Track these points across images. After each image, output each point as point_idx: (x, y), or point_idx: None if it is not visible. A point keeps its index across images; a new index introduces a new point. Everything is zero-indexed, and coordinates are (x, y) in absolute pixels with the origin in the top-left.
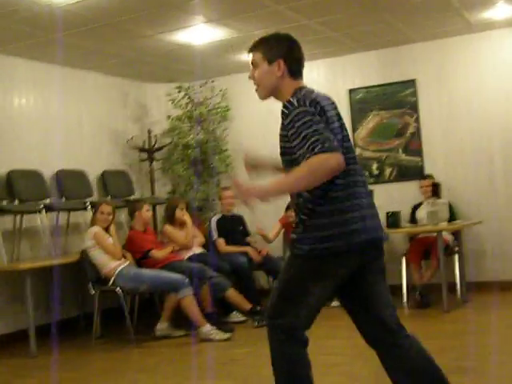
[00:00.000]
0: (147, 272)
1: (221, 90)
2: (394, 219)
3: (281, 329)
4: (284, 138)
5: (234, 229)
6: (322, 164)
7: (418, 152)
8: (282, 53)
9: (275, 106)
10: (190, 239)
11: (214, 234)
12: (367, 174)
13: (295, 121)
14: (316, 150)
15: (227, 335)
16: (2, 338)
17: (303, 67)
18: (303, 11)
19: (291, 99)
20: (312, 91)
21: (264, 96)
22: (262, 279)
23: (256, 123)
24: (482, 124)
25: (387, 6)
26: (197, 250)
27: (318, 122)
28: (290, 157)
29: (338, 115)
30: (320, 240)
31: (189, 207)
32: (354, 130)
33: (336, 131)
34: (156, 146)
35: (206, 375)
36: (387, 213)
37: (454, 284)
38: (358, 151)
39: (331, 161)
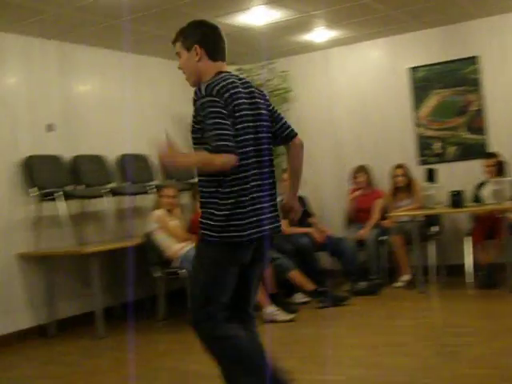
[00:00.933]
0: None
1: (281, 72)
2: (457, 198)
3: (203, 319)
4: (193, 119)
5: None
6: (219, 162)
7: (482, 130)
8: (197, 38)
9: (337, 88)
10: None
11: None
12: (429, 153)
13: (201, 109)
14: (218, 145)
15: (291, 316)
16: (71, 319)
17: (224, 50)
18: None
19: (201, 86)
20: (227, 78)
21: (193, 82)
22: (324, 260)
23: (317, 105)
24: None
25: None
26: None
27: (220, 113)
28: (196, 135)
29: (255, 104)
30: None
31: None
32: (416, 108)
33: (242, 119)
34: None
35: (270, 355)
36: (451, 192)
37: None
38: (419, 130)
39: (224, 160)
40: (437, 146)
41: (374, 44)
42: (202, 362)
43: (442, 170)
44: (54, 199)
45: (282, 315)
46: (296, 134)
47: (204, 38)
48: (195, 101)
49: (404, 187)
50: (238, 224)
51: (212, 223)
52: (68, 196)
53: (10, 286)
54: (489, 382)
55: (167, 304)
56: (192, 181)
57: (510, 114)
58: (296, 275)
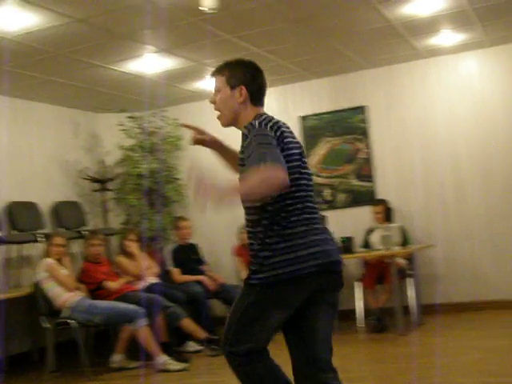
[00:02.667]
0: (101, 303)
1: (173, 120)
2: (347, 244)
3: (239, 354)
4: (242, 160)
5: (189, 258)
6: (272, 174)
7: (370, 177)
8: (245, 79)
9: (230, 134)
10: (140, 270)
11: (169, 264)
12: (321, 200)
13: (254, 140)
14: (267, 160)
15: (183, 365)
16: None
17: (265, 96)
18: (253, 40)
19: (253, 122)
20: (272, 117)
21: (226, 122)
22: (217, 308)
23: (208, 151)
24: (432, 148)
25: (334, 34)
26: (152, 280)
27: (274, 145)
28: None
29: (298, 143)
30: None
31: (140, 238)
32: (307, 156)
33: (295, 157)
34: (108, 176)
35: None
36: (341, 238)
37: (408, 307)
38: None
39: (280, 173)
40: (327, 193)
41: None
42: None
43: (332, 216)
44: None
45: (174, 364)
46: None
47: (252, 80)
48: (246, 135)
49: None
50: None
51: None
52: None
53: None
54: None
55: (57, 355)
56: (81, 229)
57: (396, 162)
58: (188, 323)
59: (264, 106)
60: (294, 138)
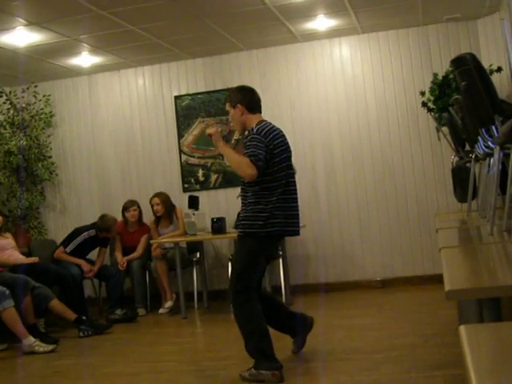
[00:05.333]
0: None
1: (44, 96)
2: (218, 225)
3: (241, 291)
4: (246, 144)
5: (93, 245)
6: (247, 167)
7: None
8: (240, 99)
9: (102, 114)
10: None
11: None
12: (193, 180)
13: (250, 140)
14: (251, 157)
15: (51, 347)
16: None
17: (259, 105)
18: (127, 17)
19: (254, 128)
20: (269, 124)
21: (239, 131)
22: (88, 289)
23: (81, 131)
24: (305, 131)
25: (210, 14)
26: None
27: (262, 147)
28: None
29: (287, 146)
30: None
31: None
32: (180, 136)
33: (282, 158)
34: None
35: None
36: (212, 219)
37: (279, 287)
38: (183, 158)
39: (253, 171)
40: (200, 174)
41: (140, 71)
42: None
43: (204, 197)
44: None
45: (42, 346)
46: None
47: (244, 98)
48: (247, 136)
49: (165, 215)
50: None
51: None
52: None
53: None
54: None
55: None
56: None
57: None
58: (57, 304)
59: (261, 112)
60: (283, 141)
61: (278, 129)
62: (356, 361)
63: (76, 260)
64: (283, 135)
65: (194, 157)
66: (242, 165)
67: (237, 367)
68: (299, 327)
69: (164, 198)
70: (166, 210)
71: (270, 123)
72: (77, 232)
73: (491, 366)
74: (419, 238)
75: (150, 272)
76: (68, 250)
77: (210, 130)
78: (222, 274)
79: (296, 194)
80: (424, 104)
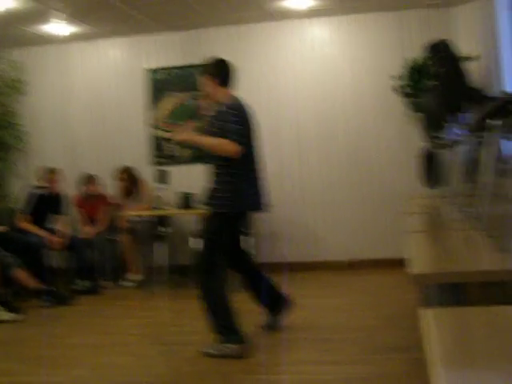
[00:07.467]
0: None
1: (16, 63)
2: (186, 200)
3: (209, 264)
4: (213, 123)
5: (44, 208)
6: (229, 145)
7: None
8: (214, 71)
9: (74, 84)
10: None
11: (22, 208)
12: (164, 155)
13: (224, 116)
14: (236, 139)
15: (15, 316)
16: None
17: (233, 80)
18: None
19: (226, 103)
20: (239, 100)
21: (209, 103)
22: (55, 257)
23: (53, 99)
24: (278, 109)
25: None
26: None
27: (236, 122)
28: (214, 129)
29: (255, 123)
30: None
31: None
32: (153, 109)
33: (251, 135)
34: None
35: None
36: (180, 193)
37: None
38: (154, 132)
39: (236, 147)
40: (171, 148)
41: (113, 42)
42: None
43: (175, 171)
44: None
45: (5, 315)
46: None
47: (219, 71)
48: (219, 110)
49: (132, 188)
50: None
51: None
52: None
53: None
54: (208, 379)
55: None
56: None
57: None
58: (19, 273)
59: (233, 86)
60: (252, 119)
61: (248, 105)
62: (316, 341)
63: (41, 232)
64: (252, 112)
65: (166, 131)
66: (224, 145)
67: (200, 342)
68: (281, 307)
69: (130, 171)
70: (132, 183)
71: (241, 99)
72: (28, 194)
73: (450, 349)
74: (388, 221)
75: (116, 244)
76: (28, 211)
77: (178, 138)
78: (187, 249)
79: (262, 171)
80: (396, 89)
